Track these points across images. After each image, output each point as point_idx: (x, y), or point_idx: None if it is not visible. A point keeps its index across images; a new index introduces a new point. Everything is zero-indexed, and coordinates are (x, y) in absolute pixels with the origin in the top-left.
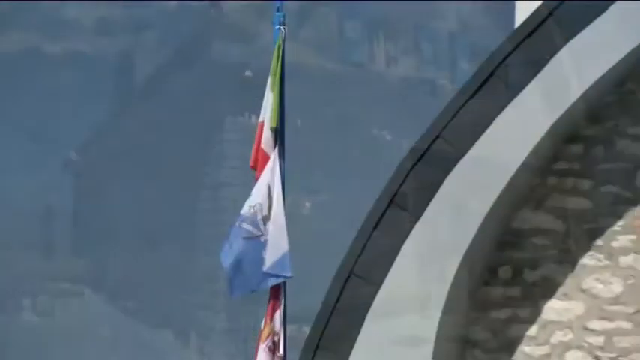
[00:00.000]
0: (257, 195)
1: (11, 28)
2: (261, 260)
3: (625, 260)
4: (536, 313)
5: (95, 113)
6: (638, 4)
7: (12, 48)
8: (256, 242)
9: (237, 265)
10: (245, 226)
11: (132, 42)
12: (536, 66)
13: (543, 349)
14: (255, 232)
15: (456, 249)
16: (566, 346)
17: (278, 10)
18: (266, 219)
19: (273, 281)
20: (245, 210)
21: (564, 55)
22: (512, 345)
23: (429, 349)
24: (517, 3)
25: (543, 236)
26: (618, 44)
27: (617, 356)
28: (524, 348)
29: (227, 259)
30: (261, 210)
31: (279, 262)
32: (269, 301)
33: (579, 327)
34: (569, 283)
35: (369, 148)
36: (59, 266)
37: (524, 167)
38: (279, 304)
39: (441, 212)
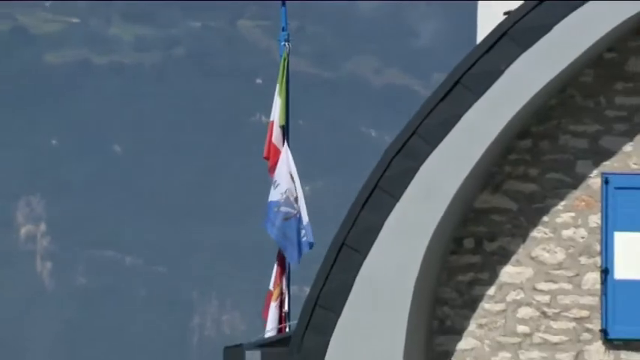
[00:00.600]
0: (283, 183)
1: (67, 44)
2: (300, 231)
3: (566, 233)
4: (494, 276)
5: (133, 113)
6: (576, 24)
7: (68, 60)
8: (295, 219)
9: (287, 239)
10: (283, 209)
11: (164, 55)
12: (493, 75)
13: (500, 306)
14: (292, 211)
15: (428, 225)
16: (519, 304)
17: (283, 30)
18: (297, 199)
19: (308, 245)
20: (278, 197)
21: (517, 66)
22: (474, 303)
23: (406, 306)
24: (478, 22)
25: (500, 214)
26: (560, 58)
27: (560, 311)
28: (485, 305)
29: (273, 233)
30: (292, 193)
31: (308, 232)
32: (277, 267)
33: (529, 288)
34: (521, 252)
35: (358, 142)
36: (105, 237)
37: (484, 158)
38: (285, 269)
39: (417, 195)
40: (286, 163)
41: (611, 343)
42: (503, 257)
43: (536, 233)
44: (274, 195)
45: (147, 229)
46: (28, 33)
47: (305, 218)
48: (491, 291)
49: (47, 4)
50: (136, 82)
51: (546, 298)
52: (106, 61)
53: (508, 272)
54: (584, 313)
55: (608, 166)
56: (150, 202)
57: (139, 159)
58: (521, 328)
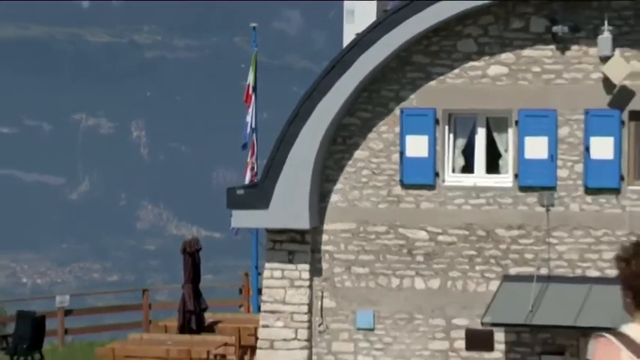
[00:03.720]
0: (250, 115)
1: (155, 49)
2: (246, 134)
3: (384, 135)
4: (350, 155)
5: (185, 81)
6: (387, 40)
7: (155, 56)
8: (247, 126)
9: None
10: (247, 122)
11: (200, 54)
12: (348, 64)
13: (353, 169)
14: (249, 128)
15: (321, 129)
16: (362, 168)
17: (254, 42)
18: (249, 123)
19: (247, 138)
20: (247, 119)
21: (360, 59)
22: (341, 168)
23: (310, 168)
24: (344, 37)
25: (353, 126)
26: (380, 55)
27: (380, 172)
28: (347, 169)
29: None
30: (250, 120)
31: (247, 135)
32: (250, 150)
33: (367, 161)
34: (363, 144)
35: (288, 93)
36: (171, 139)
37: (346, 101)
38: (255, 151)
39: (317, 117)
40: (252, 105)
41: (405, 185)
42: (354, 147)
43: (370, 135)
44: (247, 118)
45: (188, 133)
46: (136, 43)
47: (248, 131)
48: (350, 162)
49: (145, 29)
50: (186, 67)
51: (374, 166)
52: (172, 56)
53: (357, 153)
54: (392, 172)
55: (403, 104)
56: (191, 118)
57: (190, 103)
58: (363, 179)
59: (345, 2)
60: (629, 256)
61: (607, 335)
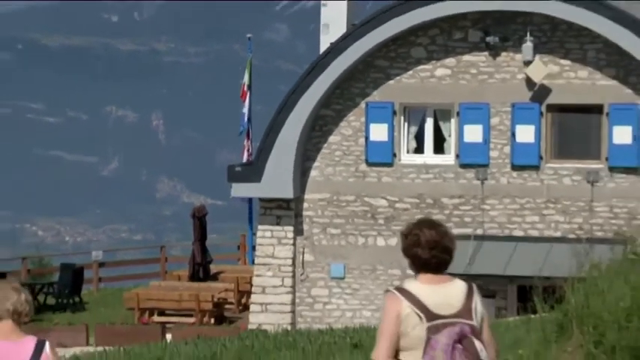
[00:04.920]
0: (245, 106)
1: (172, 55)
2: (244, 122)
3: (352, 124)
4: (327, 139)
5: (196, 81)
6: (353, 49)
7: (171, 60)
8: (243, 120)
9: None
10: (243, 114)
11: (206, 59)
12: (325, 67)
13: (329, 150)
14: (245, 118)
15: (304, 116)
16: (334, 149)
17: (249, 49)
18: (246, 114)
19: (241, 131)
20: (244, 111)
21: (334, 63)
22: (319, 150)
23: (294, 149)
24: (320, 45)
25: (328, 116)
26: (349, 59)
27: (349, 153)
28: (324, 150)
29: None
30: (246, 110)
31: (243, 123)
32: (246, 135)
33: (340, 144)
34: (336, 131)
35: (277, 90)
36: (184, 125)
37: (323, 96)
38: (250, 136)
39: (300, 108)
40: (248, 100)
41: (369, 163)
42: (329, 133)
43: (342, 124)
44: (243, 110)
45: (197, 122)
46: (156, 50)
47: (244, 120)
48: (326, 145)
49: (163, 39)
50: (196, 69)
51: (345, 148)
52: (185, 61)
53: (331, 138)
54: (359, 153)
55: (368, 99)
56: (199, 110)
57: (199, 98)
58: (336, 158)
59: (321, 17)
60: (407, 232)
61: (392, 290)
